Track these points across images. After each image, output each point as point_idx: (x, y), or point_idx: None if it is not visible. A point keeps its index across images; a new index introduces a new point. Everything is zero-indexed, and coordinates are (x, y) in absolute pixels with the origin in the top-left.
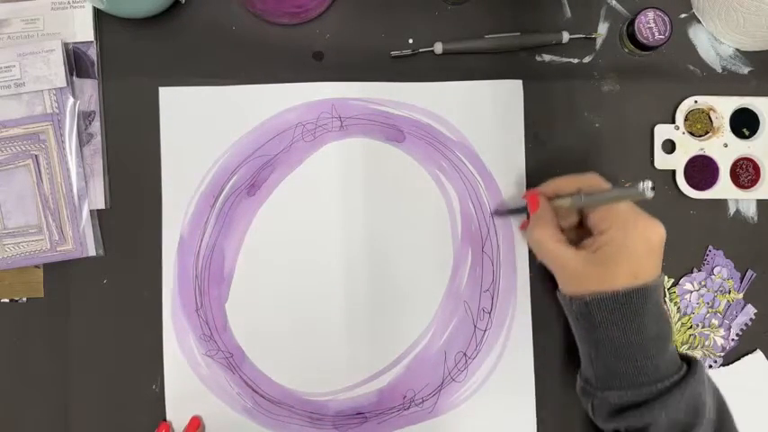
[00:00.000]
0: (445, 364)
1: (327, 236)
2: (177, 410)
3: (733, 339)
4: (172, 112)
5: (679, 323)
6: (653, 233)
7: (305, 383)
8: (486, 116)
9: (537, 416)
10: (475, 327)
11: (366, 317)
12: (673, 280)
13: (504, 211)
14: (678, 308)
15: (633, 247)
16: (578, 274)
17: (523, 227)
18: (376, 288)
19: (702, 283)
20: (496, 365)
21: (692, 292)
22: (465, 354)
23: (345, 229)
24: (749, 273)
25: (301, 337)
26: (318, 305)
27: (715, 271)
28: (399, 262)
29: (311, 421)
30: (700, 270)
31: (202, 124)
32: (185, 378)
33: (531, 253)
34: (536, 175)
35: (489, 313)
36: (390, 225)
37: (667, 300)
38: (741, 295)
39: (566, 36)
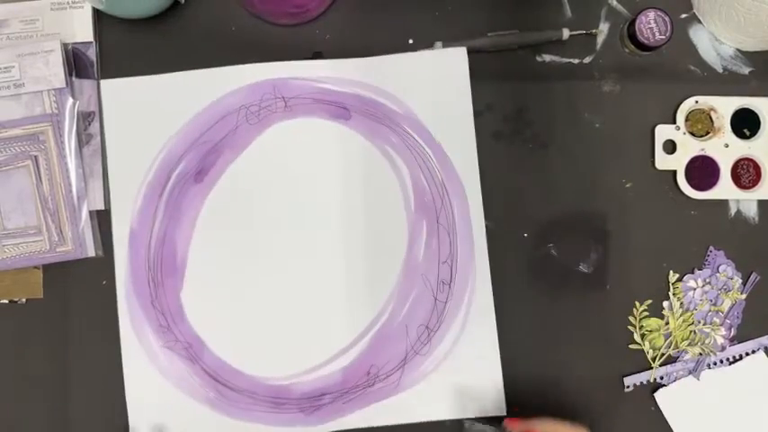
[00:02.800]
0: (407, 338)
1: (279, 219)
2: (138, 405)
3: (733, 339)
4: (114, 104)
5: (681, 319)
6: None
7: (267, 368)
8: (430, 86)
9: (504, 380)
10: (435, 299)
11: (324, 297)
12: (678, 275)
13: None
14: (681, 303)
15: None
16: None
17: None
18: (332, 267)
19: (707, 280)
20: (460, 336)
21: (695, 288)
22: (427, 327)
23: (296, 211)
24: (753, 276)
25: (260, 322)
26: (274, 289)
27: (720, 269)
28: (354, 240)
29: (275, 406)
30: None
31: (145, 114)
32: (145, 372)
33: (536, 268)
34: (538, 176)
35: (449, 285)
36: (342, 204)
37: (671, 294)
38: (744, 296)
39: (566, 33)
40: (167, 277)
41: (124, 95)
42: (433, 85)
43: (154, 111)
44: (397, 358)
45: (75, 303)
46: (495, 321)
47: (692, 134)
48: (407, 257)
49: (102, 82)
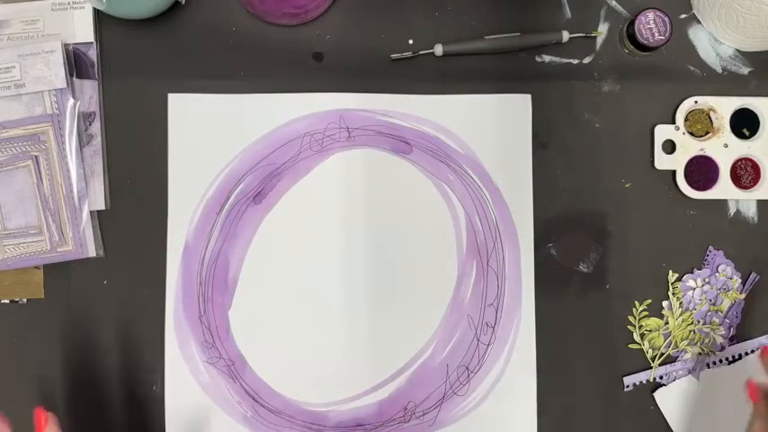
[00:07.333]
0: (447, 377)
1: (332, 246)
2: (176, 417)
3: (732, 339)
4: (180, 118)
5: (680, 318)
6: None
7: (306, 393)
8: (493, 130)
9: None
10: (478, 341)
11: (368, 328)
12: (677, 275)
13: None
14: (681, 303)
15: None
16: None
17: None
18: (379, 299)
19: (706, 280)
20: (498, 381)
21: (694, 288)
22: (467, 368)
23: (350, 240)
24: (752, 275)
25: (303, 347)
26: (321, 315)
27: (719, 269)
28: (403, 274)
29: None
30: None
31: (211, 131)
32: (186, 384)
33: (536, 268)
34: (538, 176)
35: (493, 328)
36: (395, 236)
37: (670, 294)
38: (743, 296)
39: (565, 35)
40: (217, 294)
41: (191, 110)
42: (496, 128)
43: (220, 129)
44: (436, 397)
45: (75, 304)
46: (535, 369)
47: (692, 134)
48: (454, 297)
49: (170, 96)
